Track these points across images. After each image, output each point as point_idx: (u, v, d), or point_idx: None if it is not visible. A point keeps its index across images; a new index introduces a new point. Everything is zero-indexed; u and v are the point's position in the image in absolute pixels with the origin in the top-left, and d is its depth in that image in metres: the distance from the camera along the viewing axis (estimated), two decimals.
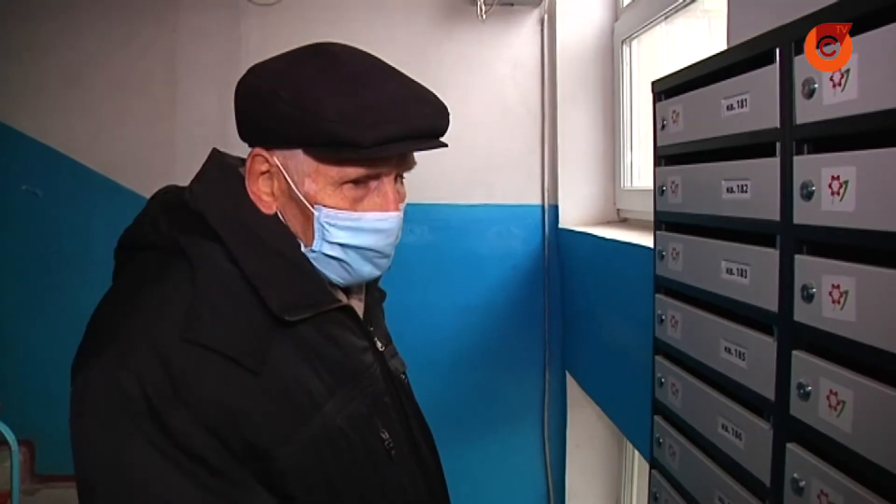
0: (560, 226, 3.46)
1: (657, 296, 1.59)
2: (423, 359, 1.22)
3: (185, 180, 3.55)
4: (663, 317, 1.56)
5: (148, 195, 3.23)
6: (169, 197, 1.06)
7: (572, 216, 3.46)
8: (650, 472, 1.70)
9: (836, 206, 0.96)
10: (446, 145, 1.04)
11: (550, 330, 3.58)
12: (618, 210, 3.39)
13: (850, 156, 0.93)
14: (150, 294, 0.94)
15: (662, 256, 1.56)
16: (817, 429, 1.02)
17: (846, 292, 0.95)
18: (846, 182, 0.94)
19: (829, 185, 0.97)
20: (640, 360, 2.02)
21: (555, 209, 3.50)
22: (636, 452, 3.37)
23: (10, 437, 2.49)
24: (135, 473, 0.87)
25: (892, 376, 0.88)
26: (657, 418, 1.63)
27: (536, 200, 3.56)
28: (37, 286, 3.51)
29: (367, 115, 0.93)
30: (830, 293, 0.98)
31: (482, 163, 3.48)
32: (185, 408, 0.86)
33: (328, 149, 0.96)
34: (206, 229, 0.97)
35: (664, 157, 1.55)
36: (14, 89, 3.44)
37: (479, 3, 3.26)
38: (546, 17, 3.46)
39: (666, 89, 1.53)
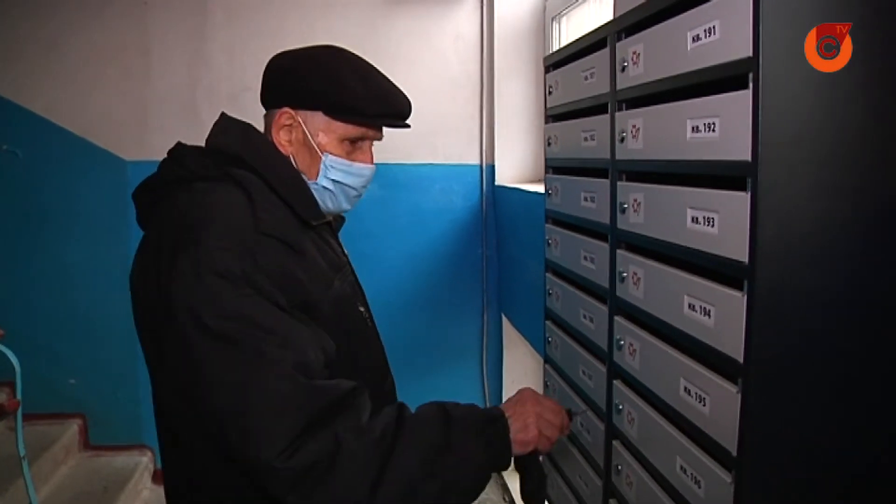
0: (496, 183, 3.88)
1: (546, 225, 2.05)
2: (372, 303, 1.59)
3: (157, 142, 3.94)
4: (549, 241, 2.01)
5: (122, 155, 3.60)
6: (194, 149, 1.42)
7: (507, 174, 3.88)
8: (544, 368, 2.16)
9: (634, 146, 1.42)
10: (410, 126, 1.53)
11: (488, 277, 4.01)
12: None
13: (640, 111, 1.39)
14: (223, 202, 1.29)
15: (549, 194, 2.01)
16: (628, 300, 1.49)
17: (640, 203, 1.41)
18: (639, 129, 1.39)
19: (631, 131, 1.42)
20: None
21: (492, 168, 3.91)
22: None
23: (14, 360, 2.84)
24: (242, 311, 1.19)
25: (660, 256, 1.34)
26: (548, 323, 2.09)
27: (475, 161, 3.96)
28: (21, 240, 3.81)
29: (375, 97, 1.40)
30: (632, 205, 1.43)
31: (427, 127, 3.83)
32: (264, 274, 1.23)
33: (345, 113, 1.41)
34: (246, 166, 1.37)
35: (551, 116, 2.00)
36: None
37: None
38: None
39: (552, 63, 1.98)
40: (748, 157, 1.03)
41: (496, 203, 3.91)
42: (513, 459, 1.39)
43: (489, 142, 3.91)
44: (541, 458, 1.48)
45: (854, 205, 1.04)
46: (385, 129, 1.51)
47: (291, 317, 1.25)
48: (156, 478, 3.91)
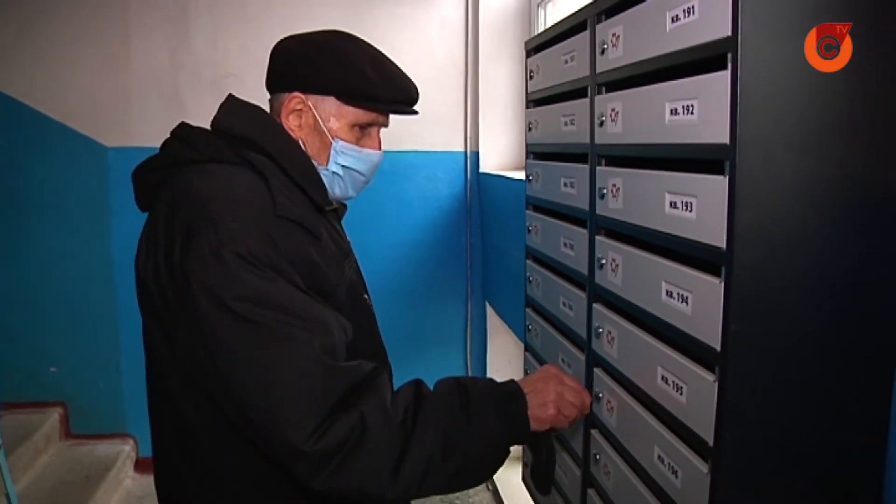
0: (481, 170, 3.86)
1: (527, 211, 2.02)
2: None
3: (140, 129, 3.86)
4: (530, 227, 1.99)
5: (104, 141, 3.54)
6: (202, 130, 1.38)
7: (492, 162, 3.86)
8: (524, 355, 2.14)
9: (613, 130, 1.39)
10: (417, 112, 1.49)
11: (472, 264, 4.00)
12: None
13: (620, 94, 1.36)
14: (240, 185, 1.27)
15: (529, 180, 1.98)
16: (606, 287, 1.46)
17: (618, 188, 1.38)
18: (618, 112, 1.36)
19: (611, 115, 1.40)
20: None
21: (476, 156, 3.89)
22: None
23: None
24: (266, 294, 1.17)
25: (639, 242, 1.32)
26: (528, 310, 2.07)
27: (460, 148, 3.95)
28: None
29: (387, 83, 1.39)
30: (611, 190, 1.41)
31: None
32: (285, 257, 1.21)
33: (357, 99, 1.38)
34: (259, 149, 1.34)
35: (532, 100, 1.97)
36: None
37: None
38: None
39: (533, 47, 1.95)
40: (726, 139, 1.00)
41: (480, 190, 3.89)
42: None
43: (474, 129, 3.89)
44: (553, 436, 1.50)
45: (833, 191, 1.03)
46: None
47: (313, 299, 1.24)
48: (138, 466, 3.89)
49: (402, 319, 3.93)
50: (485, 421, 1.27)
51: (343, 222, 1.61)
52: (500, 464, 1.32)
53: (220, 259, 1.16)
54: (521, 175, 3.10)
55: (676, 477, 1.20)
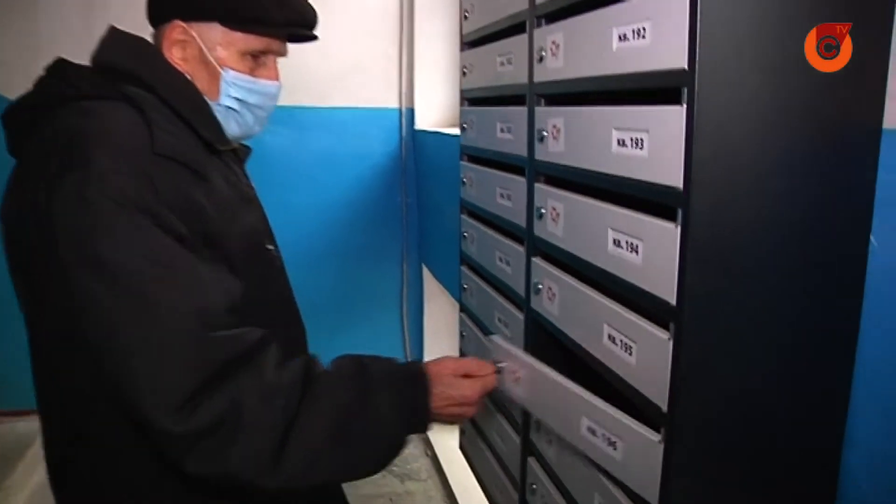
0: (416, 128, 3.70)
1: (461, 162, 1.88)
2: (285, 253, 1.45)
3: None
4: (465, 179, 1.85)
5: (12, 96, 3.21)
6: (79, 65, 1.22)
7: (428, 119, 3.70)
8: (459, 317, 2.02)
9: (554, 65, 1.26)
10: (318, 38, 1.33)
11: (408, 225, 3.85)
12: None
13: (561, 24, 1.23)
14: (114, 121, 1.12)
15: (464, 128, 1.85)
16: (546, 240, 1.34)
17: (560, 129, 1.25)
18: (559, 45, 1.23)
19: (551, 48, 1.27)
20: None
21: (411, 112, 3.72)
22: None
23: None
24: (136, 244, 1.03)
25: (583, 188, 1.20)
26: (463, 268, 1.94)
27: (394, 104, 3.76)
28: None
29: (277, 2, 1.23)
30: (552, 132, 1.28)
31: (343, 68, 3.63)
32: (163, 200, 1.06)
33: (245, 23, 1.23)
34: (141, 84, 1.18)
35: (466, 42, 1.84)
36: None
37: None
38: None
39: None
40: (684, 64, 0.88)
41: (416, 148, 3.73)
42: None
43: (409, 85, 3.72)
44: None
45: (803, 120, 0.92)
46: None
47: (192, 253, 1.09)
48: None
49: (335, 283, 3.78)
50: (382, 407, 1.16)
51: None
52: (397, 454, 1.20)
53: (87, 202, 1.02)
54: (458, 132, 2.97)
55: (619, 447, 1.08)
